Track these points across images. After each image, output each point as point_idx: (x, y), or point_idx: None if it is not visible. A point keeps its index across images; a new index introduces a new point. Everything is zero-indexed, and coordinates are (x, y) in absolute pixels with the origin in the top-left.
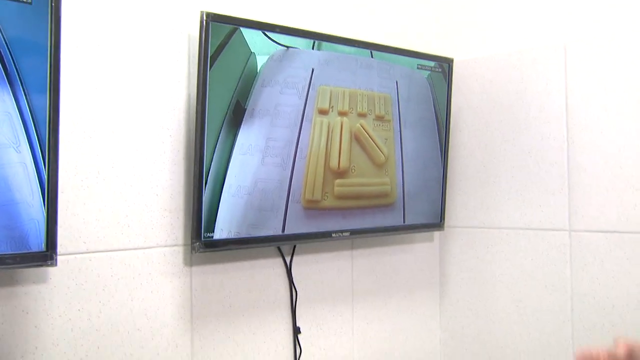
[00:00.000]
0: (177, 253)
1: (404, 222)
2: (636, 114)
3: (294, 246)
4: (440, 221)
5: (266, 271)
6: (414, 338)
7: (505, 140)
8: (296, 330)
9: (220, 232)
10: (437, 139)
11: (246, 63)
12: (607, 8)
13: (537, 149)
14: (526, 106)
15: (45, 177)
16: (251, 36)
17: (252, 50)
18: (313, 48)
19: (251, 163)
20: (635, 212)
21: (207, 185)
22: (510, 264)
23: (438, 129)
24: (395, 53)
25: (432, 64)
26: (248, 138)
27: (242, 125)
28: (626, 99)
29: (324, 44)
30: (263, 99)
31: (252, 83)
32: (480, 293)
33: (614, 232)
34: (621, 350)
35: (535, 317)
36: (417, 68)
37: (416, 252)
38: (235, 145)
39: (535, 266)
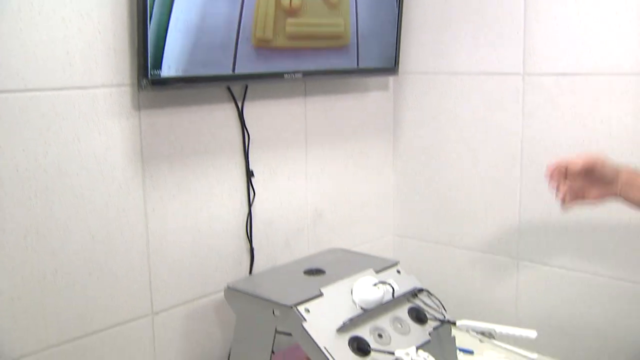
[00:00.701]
0: (124, 93)
1: (357, 65)
2: None
3: (246, 88)
4: (395, 66)
5: (217, 114)
6: (368, 182)
7: None
8: (249, 174)
9: (168, 69)
10: None
11: None
12: None
13: None
14: None
15: None
16: None
17: None
18: None
19: None
20: (588, 53)
21: (151, 20)
22: (464, 109)
23: None
24: None
25: None
26: None
27: None
28: None
29: None
30: None
31: None
32: (434, 138)
33: (567, 74)
34: (579, 162)
35: (486, 161)
36: None
37: (370, 99)
38: None
39: (488, 111)
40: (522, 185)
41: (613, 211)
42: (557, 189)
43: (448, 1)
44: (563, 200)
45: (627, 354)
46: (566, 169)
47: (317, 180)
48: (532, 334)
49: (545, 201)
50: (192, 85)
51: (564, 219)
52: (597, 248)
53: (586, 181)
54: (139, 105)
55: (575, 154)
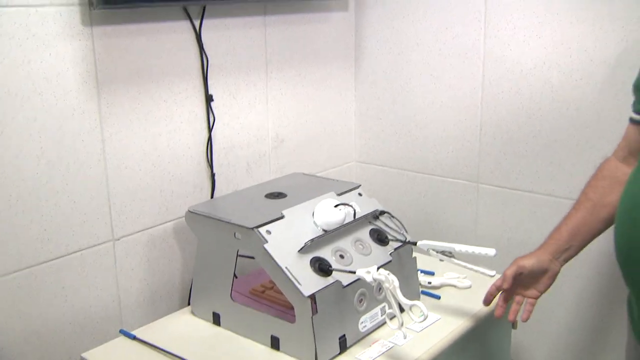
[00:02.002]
0: (74, 13)
1: None
2: None
3: (204, 8)
4: None
5: (175, 36)
6: (330, 108)
7: None
8: (209, 98)
9: None
10: None
11: None
12: None
13: None
14: None
15: None
16: None
17: None
18: None
19: None
20: None
21: None
22: (426, 32)
23: None
24: None
25: None
26: None
27: None
28: None
29: None
30: None
31: None
32: (396, 63)
33: None
34: (508, 272)
35: (448, 85)
36: None
37: (331, 22)
38: None
39: (450, 34)
40: (482, 109)
41: (569, 132)
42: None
43: None
44: (514, 317)
45: (582, 271)
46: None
47: (278, 105)
48: (491, 251)
49: (505, 125)
50: (145, 4)
51: (523, 142)
52: (553, 169)
53: (527, 285)
54: (92, 26)
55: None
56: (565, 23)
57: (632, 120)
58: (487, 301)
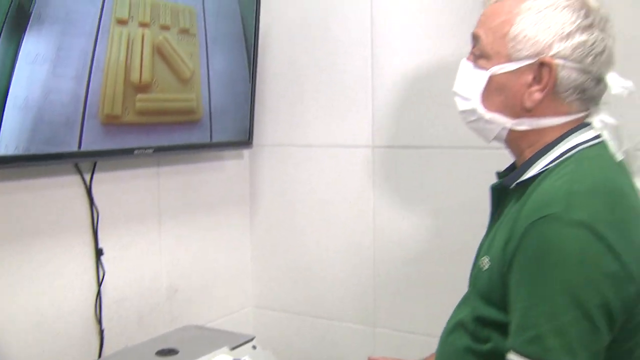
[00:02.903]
0: None
1: (211, 139)
2: (429, 35)
3: (95, 164)
4: (249, 139)
5: (64, 191)
6: (225, 254)
7: (313, 58)
8: (98, 252)
9: (6, 147)
10: (245, 56)
11: None
12: None
13: (343, 66)
14: (334, 24)
15: None
16: None
17: None
18: None
19: (40, 74)
20: (429, 128)
21: None
22: (318, 180)
23: (246, 46)
24: None
25: None
26: (36, 46)
27: (27, 32)
28: (421, 20)
29: None
30: (51, 3)
31: None
32: (290, 210)
33: (411, 147)
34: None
35: (342, 230)
36: None
37: (225, 170)
38: (20, 53)
39: (341, 182)
40: (375, 253)
41: (458, 274)
42: None
43: (300, 75)
44: None
45: None
46: None
47: (172, 255)
48: None
49: (398, 267)
50: (33, 164)
51: (417, 284)
52: (448, 311)
53: None
54: None
55: None
56: (442, 171)
57: None
58: None
